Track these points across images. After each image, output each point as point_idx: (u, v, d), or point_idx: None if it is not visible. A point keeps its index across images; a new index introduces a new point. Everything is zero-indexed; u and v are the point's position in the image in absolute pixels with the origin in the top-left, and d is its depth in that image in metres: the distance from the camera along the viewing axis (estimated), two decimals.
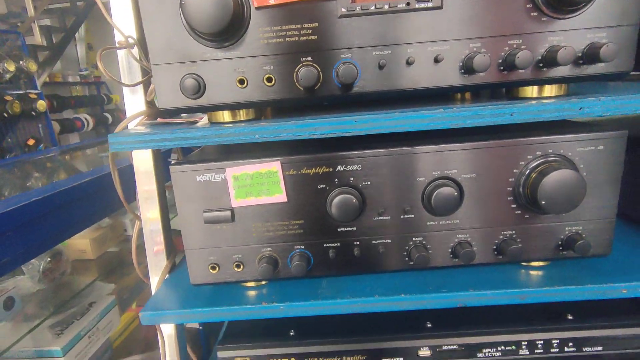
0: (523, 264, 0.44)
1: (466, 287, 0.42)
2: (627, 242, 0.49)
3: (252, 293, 0.45)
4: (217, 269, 0.43)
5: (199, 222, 0.42)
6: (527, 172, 0.39)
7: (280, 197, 0.41)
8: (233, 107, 0.41)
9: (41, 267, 0.81)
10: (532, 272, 0.43)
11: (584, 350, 0.41)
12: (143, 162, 0.51)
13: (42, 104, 1.63)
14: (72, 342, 0.83)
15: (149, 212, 0.53)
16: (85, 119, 2.54)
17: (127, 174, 0.53)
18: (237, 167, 0.40)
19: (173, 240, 0.56)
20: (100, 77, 2.96)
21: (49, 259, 0.83)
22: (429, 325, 0.42)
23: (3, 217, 0.56)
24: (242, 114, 0.43)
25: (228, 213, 0.41)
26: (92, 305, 0.94)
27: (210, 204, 0.42)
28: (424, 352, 0.42)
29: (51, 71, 2.45)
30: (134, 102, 0.50)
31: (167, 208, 0.54)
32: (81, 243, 0.97)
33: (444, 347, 0.42)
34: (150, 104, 0.51)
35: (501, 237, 0.42)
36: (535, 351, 0.41)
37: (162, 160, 0.53)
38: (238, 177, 0.41)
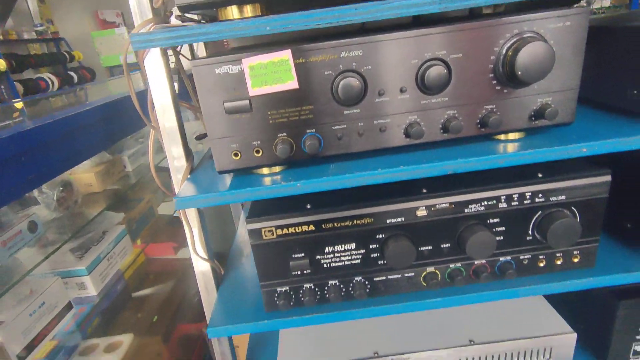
0: (502, 137, 0.52)
1: (455, 157, 0.49)
2: (586, 114, 0.57)
3: (268, 179, 0.51)
4: (239, 155, 0.49)
5: (220, 113, 0.47)
6: (504, 51, 0.46)
7: (292, 83, 0.46)
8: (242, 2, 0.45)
9: (55, 196, 0.85)
10: (509, 143, 0.51)
11: (550, 200, 0.50)
12: (156, 69, 0.54)
13: (1, 63, 1.56)
14: (94, 263, 0.90)
15: (165, 117, 0.57)
16: (49, 78, 2.43)
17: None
18: (252, 58, 0.45)
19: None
20: (58, 32, 2.79)
21: (61, 188, 0.87)
22: (425, 190, 0.50)
23: (15, 139, 0.59)
24: (249, 11, 0.47)
25: (246, 102, 0.46)
26: (105, 234, 1.00)
27: (230, 95, 0.46)
28: (421, 212, 0.50)
29: (4, 28, 2.30)
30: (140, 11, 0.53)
31: (180, 114, 0.58)
32: (87, 177, 1.01)
33: (437, 206, 0.50)
34: (156, 11, 0.53)
35: (484, 111, 0.49)
36: (512, 203, 0.50)
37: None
38: (254, 67, 0.45)
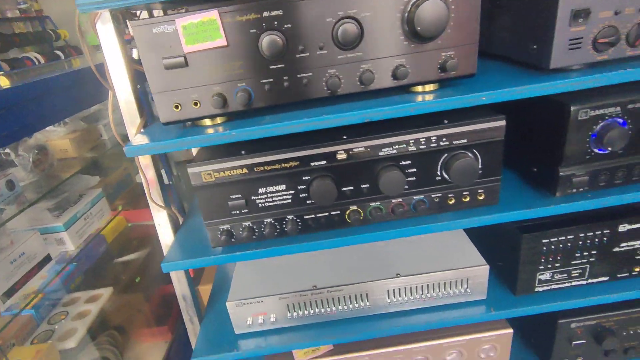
0: (419, 89, 0.58)
1: (371, 107, 0.56)
2: (496, 68, 0.64)
3: (210, 130, 0.58)
4: (179, 108, 0.56)
5: (160, 69, 0.53)
6: (409, 8, 0.52)
7: (221, 41, 0.52)
8: None
9: (31, 158, 0.91)
10: (419, 94, 0.58)
11: (454, 143, 0.57)
12: (107, 32, 0.60)
13: None
14: (71, 220, 0.97)
15: (120, 80, 0.63)
16: (35, 57, 2.43)
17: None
18: (184, 18, 0.51)
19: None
20: (42, 10, 2.76)
21: (36, 151, 0.93)
22: (345, 137, 0.57)
23: None
24: None
25: (182, 59, 0.53)
26: (82, 197, 1.07)
27: (167, 52, 0.52)
28: (341, 155, 0.57)
29: None
30: None
31: (134, 75, 0.64)
32: (62, 143, 1.07)
33: (355, 149, 0.57)
34: None
35: (395, 64, 0.55)
36: (420, 147, 0.57)
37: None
38: (186, 26, 0.51)
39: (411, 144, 0.57)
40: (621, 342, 0.75)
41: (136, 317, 1.34)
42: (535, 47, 0.58)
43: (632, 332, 0.75)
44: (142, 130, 0.65)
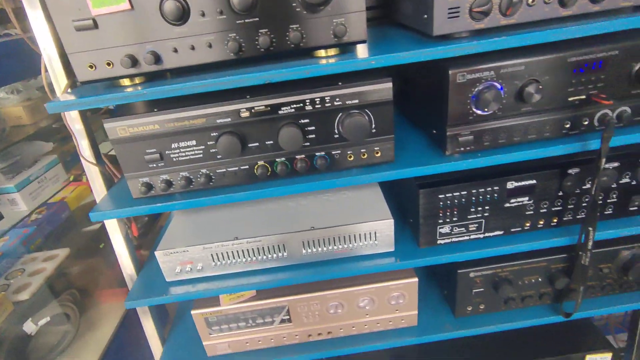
0: (322, 53, 0.63)
1: (271, 70, 0.61)
2: (391, 35, 0.69)
3: (129, 89, 0.63)
4: (94, 68, 0.61)
5: (72, 31, 0.58)
6: None
7: (125, 5, 0.57)
8: None
9: None
10: (317, 58, 0.63)
11: (347, 103, 0.63)
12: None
13: None
14: (24, 183, 1.03)
15: (47, 43, 0.67)
16: None
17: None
18: None
19: None
20: None
21: None
22: (248, 96, 0.63)
23: None
24: None
25: (91, 21, 0.57)
26: (36, 162, 1.12)
27: (77, 15, 0.57)
28: (244, 113, 0.63)
29: None
30: None
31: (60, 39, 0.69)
32: (15, 110, 1.11)
33: (256, 108, 0.63)
34: None
35: (290, 30, 0.60)
36: (316, 106, 0.63)
37: None
38: None
39: (307, 103, 0.63)
40: (517, 291, 0.84)
41: (98, 279, 1.41)
42: (425, 16, 0.63)
43: (527, 282, 0.83)
44: (68, 90, 0.69)
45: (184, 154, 0.66)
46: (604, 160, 0.67)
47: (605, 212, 0.77)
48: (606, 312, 0.86)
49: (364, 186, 0.88)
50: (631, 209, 0.77)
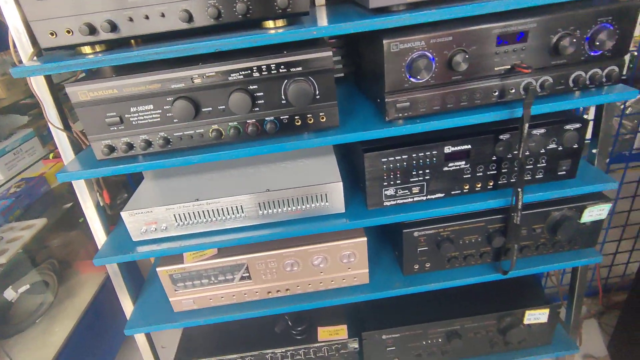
0: (270, 24, 0.68)
1: (222, 38, 0.66)
2: (342, 9, 0.74)
3: (90, 56, 0.68)
4: (55, 35, 0.65)
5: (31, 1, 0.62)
6: None
7: None
8: None
9: None
10: (263, 29, 0.68)
11: (291, 70, 0.69)
12: None
13: None
14: None
15: (12, 12, 0.72)
16: None
17: None
18: None
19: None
20: None
21: None
22: (200, 63, 0.68)
23: None
24: None
25: None
26: (11, 135, 1.16)
27: None
28: (197, 79, 0.68)
29: None
30: None
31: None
32: None
33: (207, 74, 0.68)
34: None
35: (237, 1, 0.65)
36: (262, 73, 0.68)
37: None
38: None
39: (254, 70, 0.69)
40: (459, 249, 0.91)
41: (78, 251, 1.47)
42: None
43: (467, 241, 0.90)
44: (34, 58, 0.74)
45: (142, 118, 0.71)
46: (527, 125, 0.73)
47: (537, 177, 0.85)
48: (541, 271, 0.94)
49: (320, 154, 0.95)
50: (560, 173, 0.85)
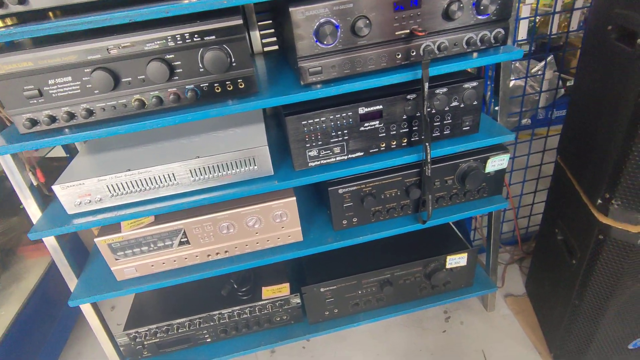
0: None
1: (131, 11, 0.69)
2: None
3: (2, 29, 0.68)
4: None
5: None
6: None
7: None
8: None
9: None
10: (178, 1, 0.72)
11: (205, 39, 0.73)
12: None
13: None
14: None
15: None
16: None
17: None
18: None
19: None
20: None
21: None
22: (116, 34, 0.71)
23: None
24: None
25: None
26: None
27: None
28: (113, 50, 0.71)
29: None
30: None
31: None
32: None
33: (123, 45, 0.71)
34: None
35: None
36: (177, 42, 0.72)
37: None
38: None
39: (169, 39, 0.72)
40: (381, 203, 1.00)
41: (21, 237, 1.45)
42: None
43: (388, 195, 0.99)
44: None
45: (62, 90, 0.73)
46: (427, 85, 0.82)
47: (444, 132, 0.94)
48: (456, 219, 1.05)
49: (250, 122, 1.00)
50: (464, 128, 0.95)
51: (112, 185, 0.86)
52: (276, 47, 1.17)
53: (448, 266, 1.15)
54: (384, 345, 1.28)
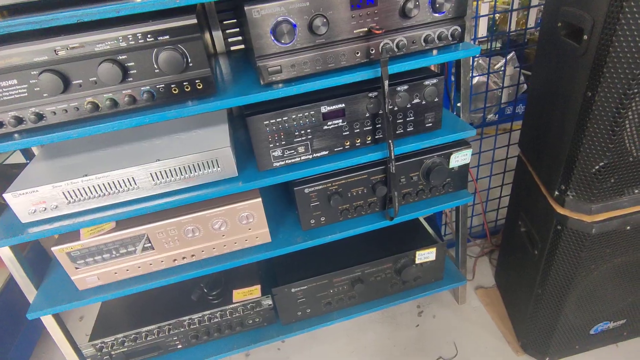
0: None
1: (79, 10, 0.67)
2: None
3: None
4: None
5: None
6: None
7: None
8: None
9: None
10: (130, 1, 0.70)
11: (159, 39, 0.71)
12: None
13: None
14: None
15: None
16: None
17: None
18: None
19: None
20: None
21: None
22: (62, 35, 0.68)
23: None
24: None
25: None
26: None
27: None
28: (61, 51, 0.68)
29: None
30: None
31: None
32: None
33: (71, 46, 0.68)
34: None
35: None
36: (129, 42, 0.70)
37: None
38: None
39: (120, 40, 0.70)
40: (348, 202, 1.00)
41: None
42: None
43: (355, 193, 0.99)
44: None
45: (7, 93, 0.70)
46: (387, 82, 0.82)
47: (408, 129, 0.95)
48: (423, 214, 1.07)
49: (213, 123, 0.98)
50: (427, 125, 0.96)
51: (68, 191, 0.83)
52: (242, 46, 1.16)
53: (418, 261, 1.16)
54: (358, 343, 1.29)
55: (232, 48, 1.15)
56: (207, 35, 1.10)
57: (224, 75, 0.95)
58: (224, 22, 1.12)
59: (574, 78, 0.77)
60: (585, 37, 0.72)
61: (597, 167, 0.80)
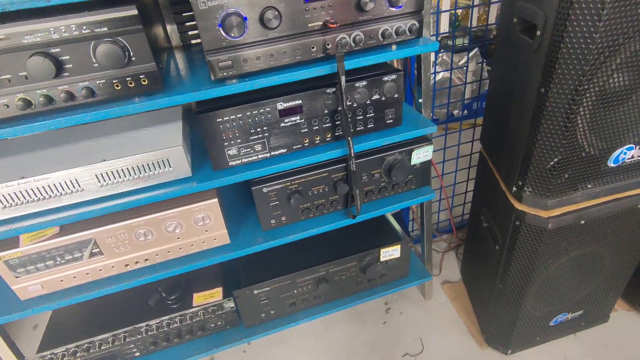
0: None
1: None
2: None
3: None
4: None
5: None
6: None
7: None
8: None
9: None
10: None
11: (96, 31, 0.66)
12: None
13: None
14: None
15: None
16: None
17: None
18: None
19: None
20: None
21: None
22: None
23: None
24: None
25: None
26: None
27: None
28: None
29: None
30: None
31: None
32: None
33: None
34: None
35: None
36: (63, 34, 0.65)
37: None
38: None
39: (52, 31, 0.65)
40: (309, 200, 0.98)
41: None
42: None
43: (315, 191, 0.97)
44: None
45: None
46: (343, 78, 0.80)
47: (368, 126, 0.93)
48: (386, 212, 1.06)
49: (166, 121, 0.93)
50: (388, 121, 0.94)
51: (3, 195, 0.77)
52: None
53: (382, 259, 1.15)
54: (325, 342, 1.28)
55: (193, 42, 1.10)
56: (159, 29, 1.05)
57: (178, 70, 0.90)
58: (183, 15, 1.07)
59: (528, 74, 0.77)
60: (538, 33, 0.72)
61: (552, 163, 0.80)
